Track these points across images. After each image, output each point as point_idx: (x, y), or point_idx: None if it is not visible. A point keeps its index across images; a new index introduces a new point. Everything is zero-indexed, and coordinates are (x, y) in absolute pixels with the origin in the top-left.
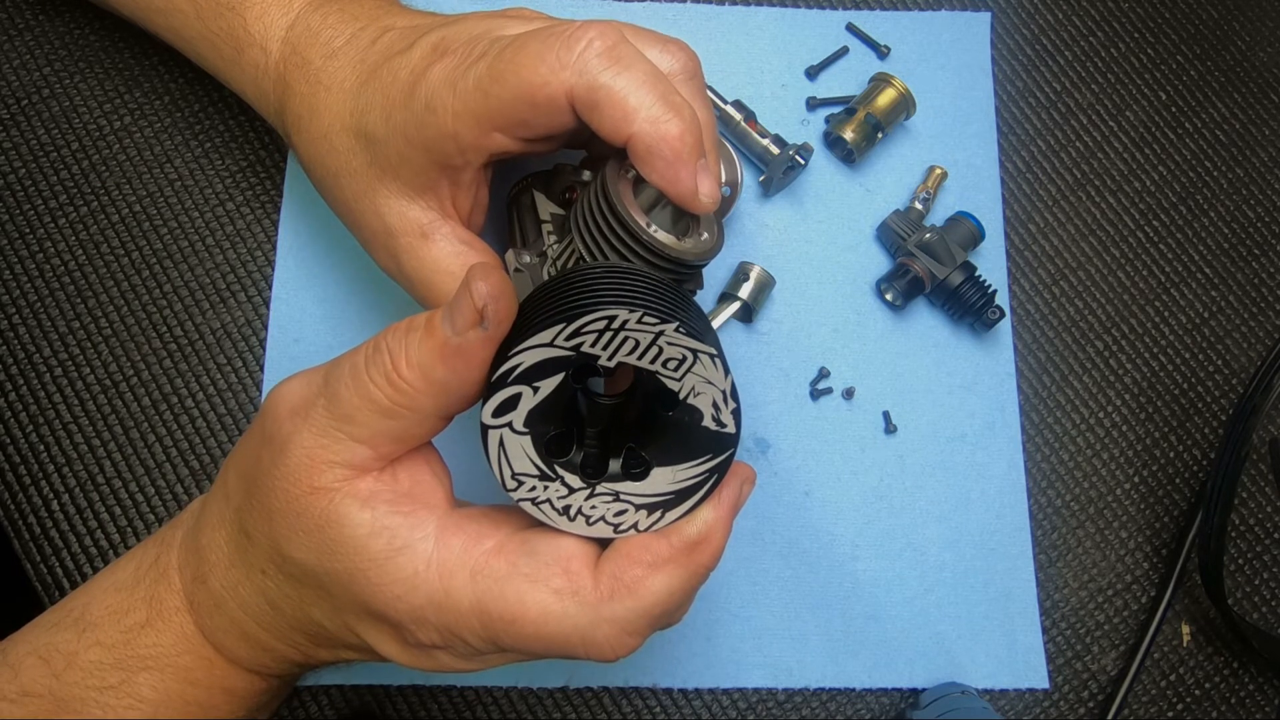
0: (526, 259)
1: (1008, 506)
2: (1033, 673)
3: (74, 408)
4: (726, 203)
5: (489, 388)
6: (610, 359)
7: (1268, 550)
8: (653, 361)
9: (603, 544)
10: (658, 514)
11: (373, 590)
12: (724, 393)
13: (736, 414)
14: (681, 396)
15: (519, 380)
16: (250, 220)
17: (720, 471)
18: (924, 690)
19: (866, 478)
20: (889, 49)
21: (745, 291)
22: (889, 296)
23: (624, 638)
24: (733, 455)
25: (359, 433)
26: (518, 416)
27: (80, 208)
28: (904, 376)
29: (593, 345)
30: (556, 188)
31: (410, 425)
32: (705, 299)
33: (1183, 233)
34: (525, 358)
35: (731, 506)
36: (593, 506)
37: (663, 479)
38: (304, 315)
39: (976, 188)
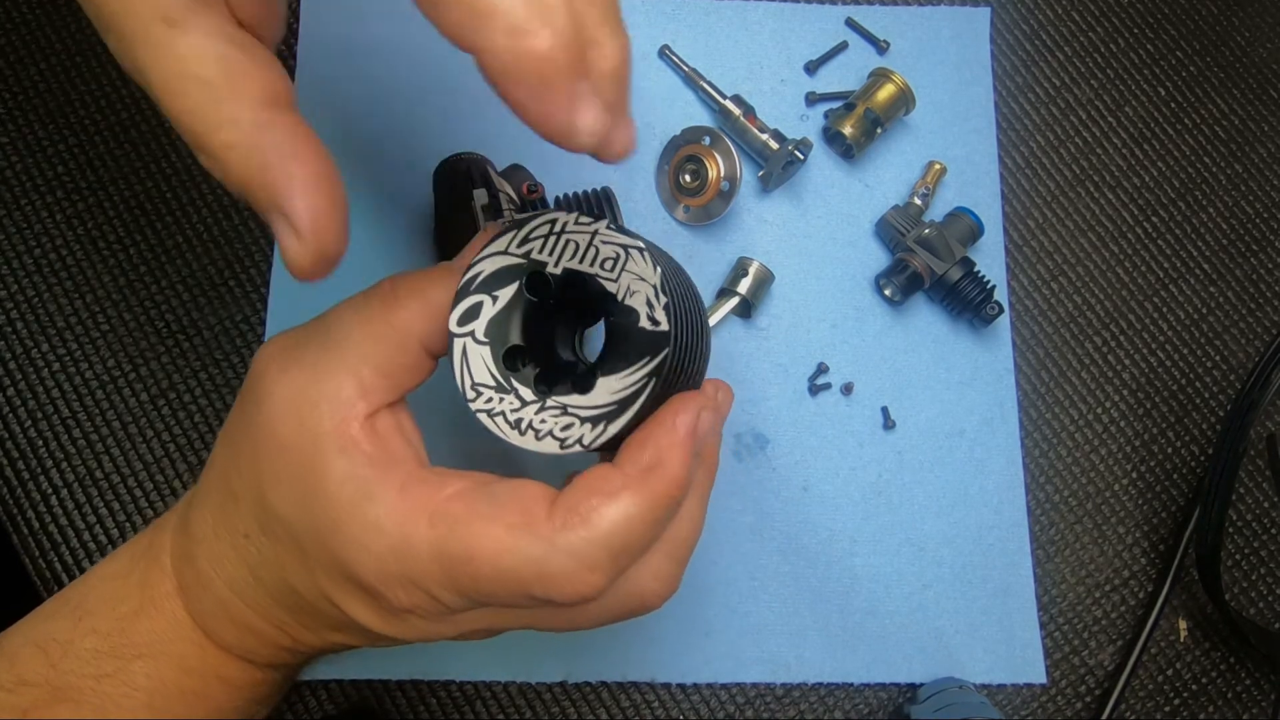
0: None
1: (1006, 502)
2: (1030, 668)
3: (72, 403)
4: (726, 198)
5: (455, 297)
6: (556, 265)
7: (1265, 546)
8: (592, 264)
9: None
10: (601, 426)
11: (340, 540)
12: (655, 288)
13: (669, 309)
14: (619, 298)
15: (480, 289)
16: (248, 215)
17: (657, 375)
18: (922, 685)
19: (865, 473)
20: (888, 44)
21: (744, 287)
22: (888, 292)
23: (581, 572)
24: (668, 356)
25: (350, 358)
26: (479, 325)
27: (78, 203)
28: (903, 372)
29: (540, 251)
30: (515, 181)
31: (398, 353)
32: (704, 295)
33: (1181, 228)
34: (484, 265)
35: (688, 431)
36: (542, 420)
37: (606, 389)
38: (302, 310)
39: (975, 183)
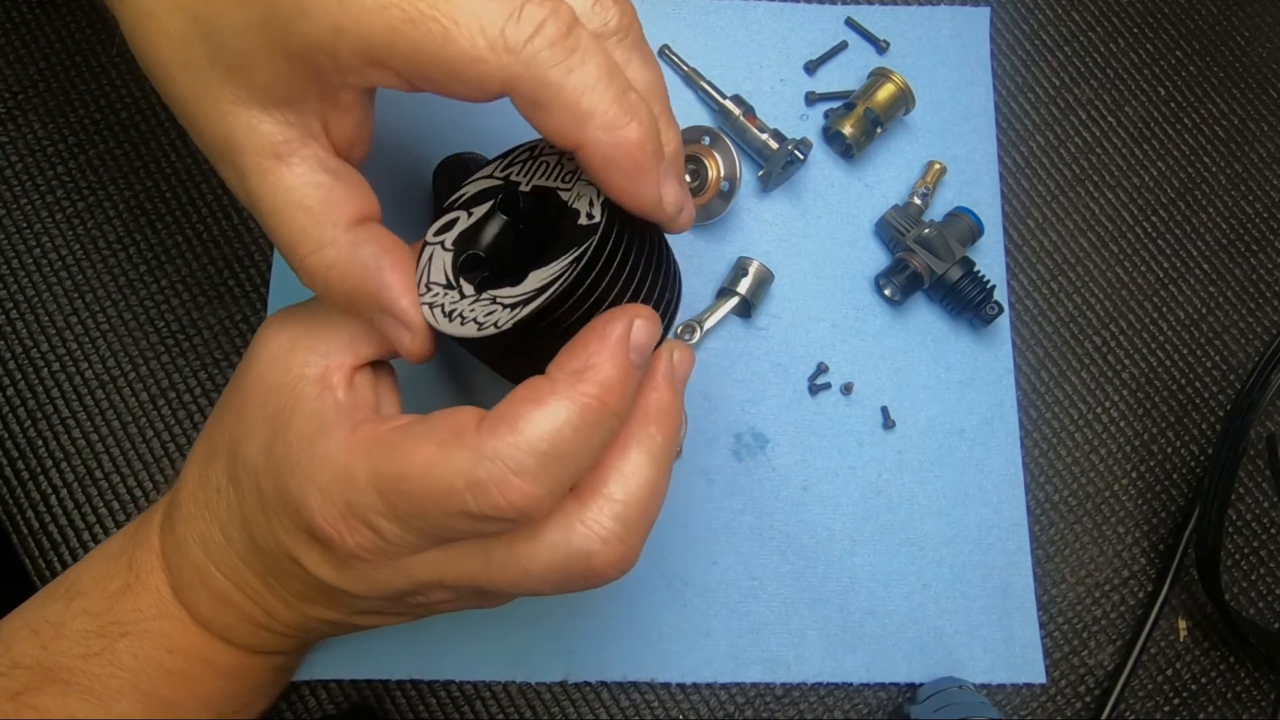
0: None
1: (1005, 502)
2: (1030, 667)
3: (72, 403)
4: (726, 198)
5: (439, 212)
6: (528, 184)
7: (1264, 545)
8: (556, 178)
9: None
10: (518, 310)
11: (293, 478)
12: (597, 189)
13: (605, 203)
14: (570, 204)
15: (461, 206)
16: (248, 214)
17: (580, 261)
18: (922, 685)
19: (865, 473)
20: (888, 44)
21: (744, 287)
22: (888, 292)
23: (510, 478)
24: (593, 244)
25: (343, 316)
26: (450, 236)
27: (77, 202)
28: (902, 372)
29: (518, 173)
30: None
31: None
32: (704, 295)
33: (1180, 228)
34: (470, 188)
35: (618, 338)
36: (472, 309)
37: (534, 279)
38: None
39: (975, 183)
